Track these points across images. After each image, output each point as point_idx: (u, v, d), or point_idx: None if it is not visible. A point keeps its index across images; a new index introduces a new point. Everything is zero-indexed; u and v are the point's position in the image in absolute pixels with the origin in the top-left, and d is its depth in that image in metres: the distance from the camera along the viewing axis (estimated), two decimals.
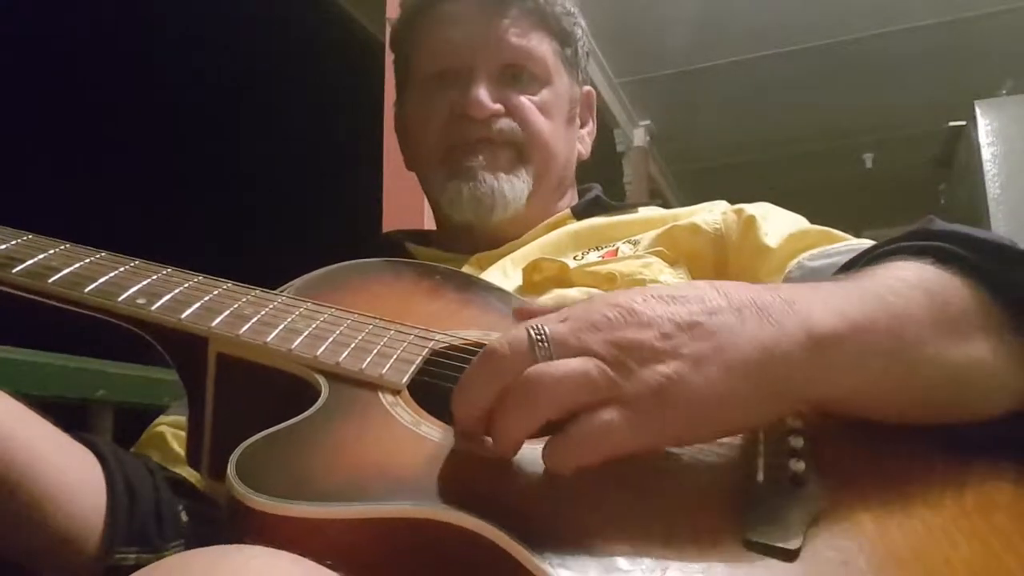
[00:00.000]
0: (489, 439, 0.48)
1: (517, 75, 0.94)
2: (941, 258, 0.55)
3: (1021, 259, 0.56)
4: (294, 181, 3.45)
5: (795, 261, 0.80)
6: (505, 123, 0.92)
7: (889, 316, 0.50)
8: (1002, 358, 0.53)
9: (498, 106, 0.91)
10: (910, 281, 0.53)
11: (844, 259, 0.68)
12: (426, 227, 1.27)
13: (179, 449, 0.74)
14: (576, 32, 1.01)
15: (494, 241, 0.94)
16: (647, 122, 3.90)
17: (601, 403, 0.44)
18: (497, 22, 0.93)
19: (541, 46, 0.96)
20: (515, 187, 0.92)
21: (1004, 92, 3.15)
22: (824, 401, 0.50)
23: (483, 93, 0.91)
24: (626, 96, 3.67)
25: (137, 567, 0.41)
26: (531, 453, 0.47)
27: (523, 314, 0.64)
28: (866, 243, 0.78)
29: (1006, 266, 0.55)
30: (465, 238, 0.96)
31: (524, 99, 0.94)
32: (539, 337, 0.46)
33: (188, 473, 0.73)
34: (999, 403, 0.53)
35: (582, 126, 1.06)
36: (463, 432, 0.48)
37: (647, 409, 0.44)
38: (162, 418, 0.81)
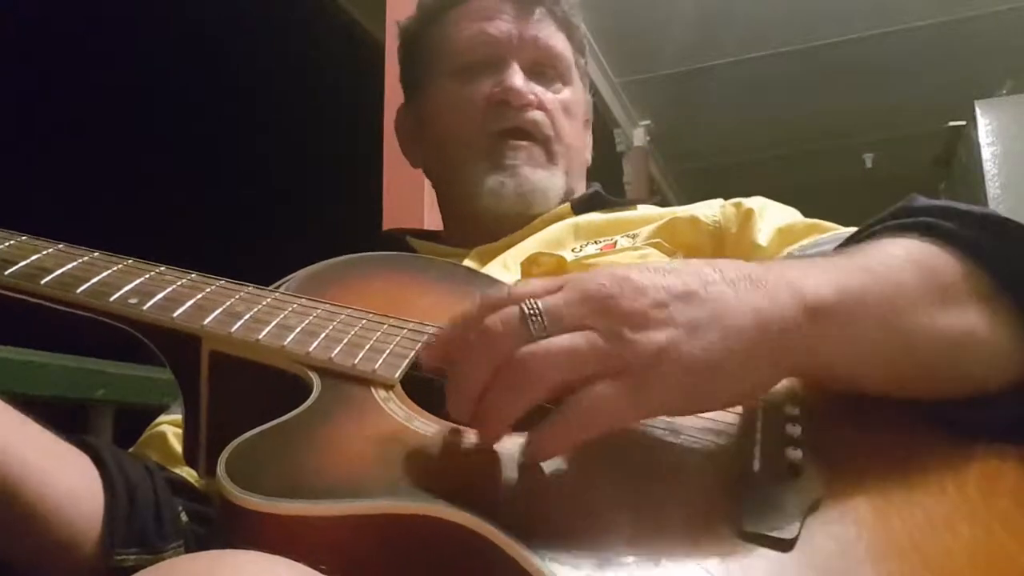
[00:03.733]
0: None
1: (544, 72, 0.98)
2: (927, 232, 0.56)
3: (1003, 228, 0.56)
4: (294, 181, 3.45)
5: (784, 252, 0.80)
6: (538, 115, 0.95)
7: (880, 286, 0.51)
8: (996, 326, 0.53)
9: (534, 96, 0.95)
10: (898, 255, 0.54)
11: (833, 247, 0.69)
12: (427, 227, 1.27)
13: (180, 448, 0.74)
14: (584, 44, 1.05)
15: (495, 234, 0.94)
16: (647, 122, 3.89)
17: (595, 377, 0.44)
18: (528, 19, 0.97)
19: (564, 48, 1.00)
20: (555, 183, 0.96)
21: (1004, 92, 3.14)
22: (820, 371, 0.50)
23: (521, 80, 0.94)
24: (626, 96, 3.67)
25: (137, 568, 0.41)
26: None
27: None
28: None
29: (990, 235, 0.56)
30: (468, 231, 0.97)
31: (551, 95, 0.97)
32: (532, 312, 0.45)
33: (188, 473, 0.73)
34: (994, 372, 0.53)
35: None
36: (456, 415, 0.47)
37: (642, 378, 0.44)
38: (163, 417, 0.81)
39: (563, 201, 0.98)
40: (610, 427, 0.45)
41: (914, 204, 0.61)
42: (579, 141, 1.02)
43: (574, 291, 0.46)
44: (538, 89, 0.96)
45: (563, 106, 0.98)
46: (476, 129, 0.95)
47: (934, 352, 0.52)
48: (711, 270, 0.48)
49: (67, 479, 0.61)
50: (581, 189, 1.04)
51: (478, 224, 0.97)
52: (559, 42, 0.99)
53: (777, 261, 0.53)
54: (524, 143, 0.94)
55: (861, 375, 0.51)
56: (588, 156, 1.08)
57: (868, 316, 0.49)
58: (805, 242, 0.80)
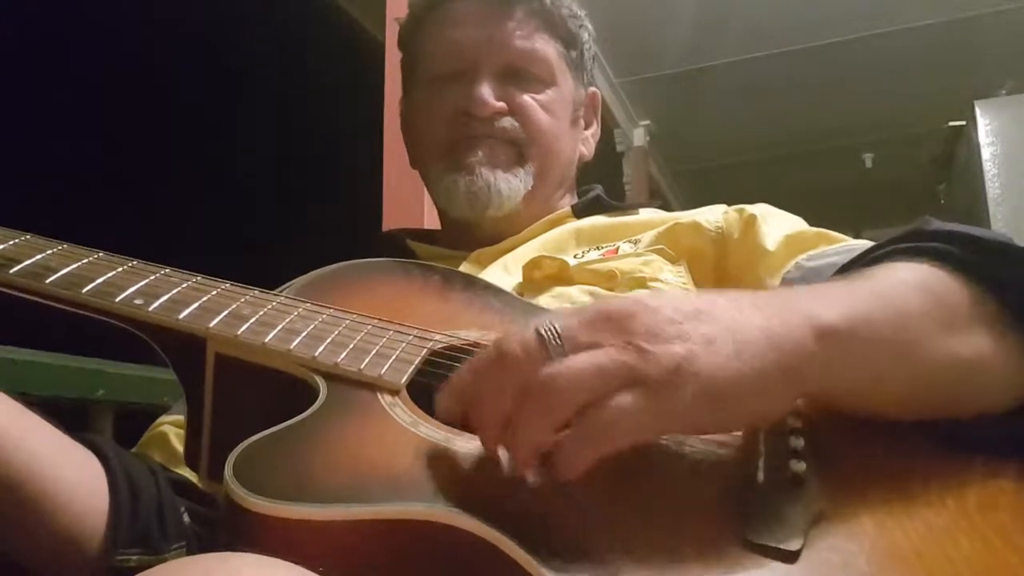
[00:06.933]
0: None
1: (520, 75, 0.96)
2: (937, 257, 0.56)
3: (1017, 256, 0.57)
4: (294, 181, 3.45)
5: (793, 262, 0.80)
6: (507, 121, 0.93)
7: (889, 312, 0.51)
8: (1002, 353, 0.54)
9: (501, 104, 0.93)
10: (908, 281, 0.54)
11: (842, 259, 0.69)
12: (426, 226, 1.27)
13: (181, 449, 0.74)
14: (582, 35, 1.02)
15: (494, 237, 0.94)
16: (647, 122, 3.90)
17: (617, 390, 0.44)
18: (502, 23, 0.95)
19: (545, 48, 0.97)
20: (512, 185, 0.93)
21: (1004, 92, 3.14)
22: (830, 393, 0.51)
23: (486, 91, 0.92)
24: (626, 96, 3.67)
25: (139, 569, 0.42)
26: None
27: None
28: (864, 243, 0.79)
29: (1002, 263, 0.56)
30: (466, 234, 0.96)
31: (527, 97, 0.95)
32: (550, 335, 0.45)
33: (190, 474, 0.72)
34: (1000, 397, 0.54)
35: (586, 127, 1.07)
36: (490, 446, 0.47)
37: (664, 388, 0.43)
38: (164, 417, 0.81)
39: (533, 202, 0.96)
40: (633, 439, 0.44)
41: (927, 228, 0.61)
42: (563, 141, 0.99)
43: (589, 312, 0.47)
44: (513, 93, 0.94)
45: (542, 106, 0.95)
46: (443, 138, 0.95)
47: (940, 377, 0.52)
48: (716, 295, 0.49)
49: (73, 472, 0.62)
50: (568, 188, 1.03)
51: (459, 227, 0.97)
52: (539, 42, 0.96)
53: (783, 288, 0.53)
54: (486, 139, 0.92)
55: (869, 398, 0.51)
56: (586, 150, 1.06)
57: (876, 340, 0.50)
58: (814, 252, 0.80)
